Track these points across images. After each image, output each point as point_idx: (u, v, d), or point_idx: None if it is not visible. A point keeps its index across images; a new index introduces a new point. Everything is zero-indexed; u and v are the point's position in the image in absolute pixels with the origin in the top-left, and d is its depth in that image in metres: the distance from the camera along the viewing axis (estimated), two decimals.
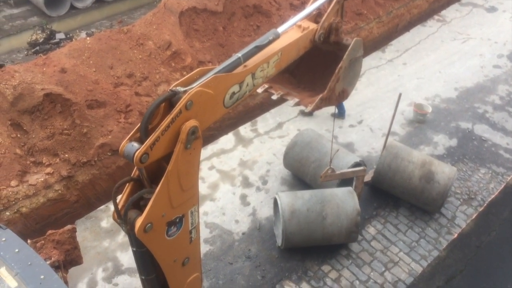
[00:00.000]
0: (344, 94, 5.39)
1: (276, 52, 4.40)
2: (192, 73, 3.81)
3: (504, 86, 12.21)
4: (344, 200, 7.56)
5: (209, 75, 3.75)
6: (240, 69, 4.02)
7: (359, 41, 5.10)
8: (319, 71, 5.50)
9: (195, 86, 3.62)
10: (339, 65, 4.95)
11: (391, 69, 12.79)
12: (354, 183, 8.18)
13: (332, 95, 5.12)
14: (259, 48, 4.15)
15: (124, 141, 3.54)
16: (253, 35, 11.51)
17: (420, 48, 13.76)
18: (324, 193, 7.71)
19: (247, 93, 4.22)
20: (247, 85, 4.15)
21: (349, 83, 5.37)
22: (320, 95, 4.92)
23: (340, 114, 10.72)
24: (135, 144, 3.49)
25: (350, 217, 7.47)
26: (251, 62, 4.13)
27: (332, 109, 10.05)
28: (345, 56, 4.97)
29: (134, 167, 3.68)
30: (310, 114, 10.79)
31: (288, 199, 7.58)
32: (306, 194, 7.72)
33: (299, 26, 4.83)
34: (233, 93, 4.00)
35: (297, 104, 5.06)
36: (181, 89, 3.59)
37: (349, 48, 5.00)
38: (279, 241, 7.87)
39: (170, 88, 3.62)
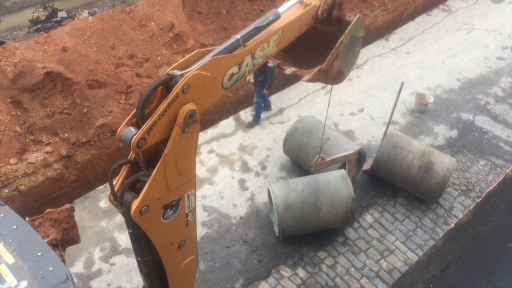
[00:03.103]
0: (340, 76, 5.31)
1: (277, 31, 4.29)
2: (190, 55, 3.73)
3: (507, 78, 12.14)
4: (338, 188, 7.52)
5: (207, 58, 3.68)
6: (239, 50, 3.94)
7: (361, 18, 5.01)
8: (315, 53, 5.42)
9: (192, 69, 3.56)
10: (340, 39, 4.86)
11: (394, 58, 12.73)
12: (347, 167, 8.16)
13: (330, 71, 5.04)
14: (258, 30, 4.06)
15: (121, 125, 3.50)
16: (256, 19, 11.38)
17: (424, 37, 13.67)
18: (318, 181, 7.65)
19: (247, 73, 4.16)
20: (247, 65, 4.06)
21: (347, 65, 5.29)
22: (319, 67, 4.86)
23: (266, 106, 10.64)
24: (132, 129, 3.44)
25: (345, 205, 7.47)
26: (251, 42, 4.05)
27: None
28: (346, 31, 4.87)
29: None
30: (256, 123, 10.38)
31: (282, 193, 7.53)
32: (299, 184, 7.65)
33: (301, 3, 4.74)
34: (232, 74, 3.93)
35: (294, 72, 4.96)
36: (178, 72, 3.52)
37: (352, 23, 4.90)
38: (276, 229, 7.88)
39: (167, 71, 3.56)
